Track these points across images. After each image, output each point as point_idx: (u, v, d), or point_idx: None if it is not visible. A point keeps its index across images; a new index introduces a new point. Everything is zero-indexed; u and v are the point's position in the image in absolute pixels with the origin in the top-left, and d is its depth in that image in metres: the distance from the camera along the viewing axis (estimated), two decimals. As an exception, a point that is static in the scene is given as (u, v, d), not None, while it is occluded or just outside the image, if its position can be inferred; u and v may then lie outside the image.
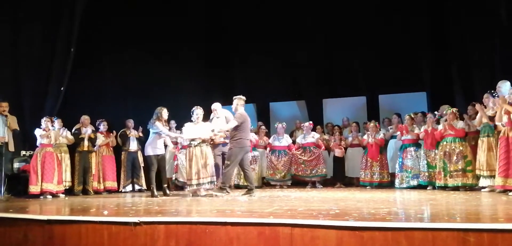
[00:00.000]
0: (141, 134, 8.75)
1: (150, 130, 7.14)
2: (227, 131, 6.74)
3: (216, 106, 7.27)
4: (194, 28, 10.27)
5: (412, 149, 7.77)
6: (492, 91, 6.51)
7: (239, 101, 6.71)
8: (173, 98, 9.46)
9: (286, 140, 9.02)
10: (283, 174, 8.83)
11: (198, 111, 6.92)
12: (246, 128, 6.60)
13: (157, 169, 7.11)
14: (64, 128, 7.91)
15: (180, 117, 8.80)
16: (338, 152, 8.72)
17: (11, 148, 7.30)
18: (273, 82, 10.94)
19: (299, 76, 10.96)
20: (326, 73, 10.77)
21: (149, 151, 7.03)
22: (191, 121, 6.89)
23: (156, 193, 6.94)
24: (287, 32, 10.38)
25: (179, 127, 8.95)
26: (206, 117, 7.19)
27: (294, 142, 9.12)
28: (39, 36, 8.46)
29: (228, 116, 7.10)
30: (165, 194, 7.00)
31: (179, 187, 8.58)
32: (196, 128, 6.82)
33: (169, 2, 9.84)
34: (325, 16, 10.17)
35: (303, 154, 8.80)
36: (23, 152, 8.15)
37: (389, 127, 8.61)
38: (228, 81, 10.93)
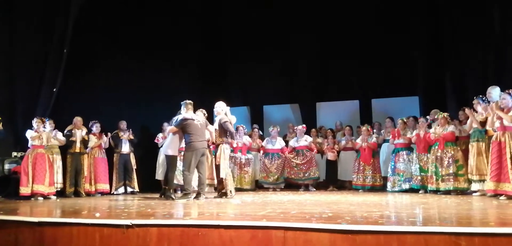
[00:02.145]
0: (132, 136, 8.72)
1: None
2: (174, 133, 6.68)
3: (217, 105, 7.06)
4: (189, 32, 10.26)
5: (404, 152, 7.82)
6: (481, 96, 6.57)
7: (185, 106, 6.67)
8: (167, 102, 9.45)
9: (279, 143, 9.04)
10: (276, 177, 8.85)
11: (198, 113, 6.94)
12: (196, 131, 6.51)
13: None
14: (55, 129, 7.85)
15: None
16: (330, 155, 8.75)
17: None
18: (266, 85, 10.95)
19: (292, 80, 10.97)
20: (319, 77, 10.80)
21: (169, 151, 6.82)
22: None
23: (173, 195, 6.71)
24: (281, 36, 10.38)
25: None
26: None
27: (287, 145, 9.13)
28: (33, 37, 8.40)
29: (227, 113, 7.05)
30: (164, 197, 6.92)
31: (174, 189, 8.55)
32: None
33: (164, 6, 9.81)
34: (319, 20, 10.19)
35: (296, 157, 8.82)
36: (14, 153, 8.08)
37: (381, 131, 8.66)
38: (222, 85, 10.90)
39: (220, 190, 6.94)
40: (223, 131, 6.84)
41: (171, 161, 6.80)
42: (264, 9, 10.22)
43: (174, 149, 6.82)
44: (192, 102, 6.75)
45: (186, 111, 6.63)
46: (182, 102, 6.73)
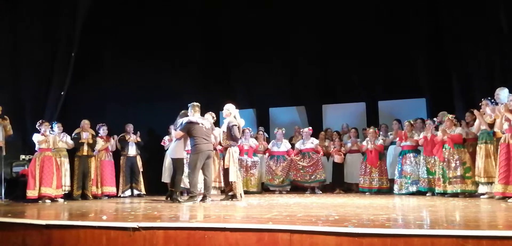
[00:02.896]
0: (139, 139, 8.75)
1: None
2: (179, 138, 6.67)
3: (228, 107, 7.03)
4: (194, 33, 10.29)
5: (411, 155, 7.78)
6: (489, 97, 6.52)
7: (192, 108, 6.65)
8: (174, 104, 9.48)
9: (285, 146, 9.02)
10: (281, 179, 8.82)
11: (206, 117, 6.97)
12: (201, 133, 6.48)
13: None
14: (64, 132, 7.89)
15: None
16: (337, 158, 8.71)
17: (4, 151, 7.27)
18: (272, 87, 10.94)
19: (298, 82, 10.96)
20: (325, 79, 10.78)
21: (175, 154, 6.83)
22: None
23: (180, 198, 6.72)
24: (286, 38, 10.39)
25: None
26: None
27: (293, 147, 9.12)
28: (40, 40, 8.47)
29: (237, 115, 7.03)
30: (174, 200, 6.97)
31: (180, 192, 8.59)
32: None
33: (169, 8, 9.86)
34: (325, 22, 10.18)
35: (302, 159, 8.80)
36: (22, 156, 8.14)
37: (388, 133, 8.62)
38: (228, 87, 10.93)
39: (228, 192, 6.93)
40: (230, 133, 6.83)
41: (177, 163, 6.81)
42: (267, 9, 10.22)
43: (180, 151, 6.84)
44: (199, 104, 6.75)
45: (193, 114, 6.64)
46: (189, 104, 6.73)
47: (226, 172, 6.90)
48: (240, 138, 7.24)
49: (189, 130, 6.52)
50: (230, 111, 6.91)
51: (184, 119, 6.63)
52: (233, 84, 11.23)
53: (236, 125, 6.80)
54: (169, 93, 9.60)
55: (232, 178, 6.77)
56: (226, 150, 6.89)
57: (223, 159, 7.00)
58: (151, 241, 3.54)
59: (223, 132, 6.94)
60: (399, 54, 9.74)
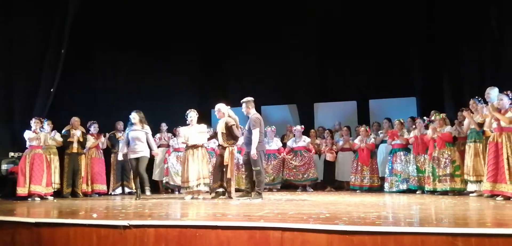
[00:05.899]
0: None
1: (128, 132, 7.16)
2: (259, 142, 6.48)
3: (219, 107, 6.95)
4: (186, 31, 10.26)
5: (401, 153, 7.84)
6: (477, 97, 6.58)
7: (250, 103, 6.57)
8: (165, 101, 9.46)
9: (276, 144, 9.02)
10: (272, 177, 8.83)
11: (192, 114, 6.92)
12: (262, 128, 6.59)
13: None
14: (54, 130, 7.82)
15: (172, 120, 8.80)
16: (329, 156, 8.74)
17: None
18: (264, 86, 10.93)
19: (290, 80, 10.98)
20: (317, 77, 10.81)
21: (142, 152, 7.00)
22: (186, 124, 6.93)
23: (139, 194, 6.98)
24: (279, 36, 10.40)
25: (170, 130, 8.95)
26: (199, 120, 7.14)
27: (284, 146, 9.12)
28: (30, 37, 8.38)
29: (230, 113, 6.95)
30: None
31: (171, 190, 8.56)
32: (191, 130, 6.84)
33: (161, 6, 9.81)
34: (317, 21, 10.22)
35: (294, 158, 8.80)
36: (11, 153, 8.05)
37: (379, 132, 8.67)
38: (220, 84, 10.92)
39: (216, 189, 6.91)
40: (230, 133, 6.75)
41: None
42: (259, 7, 10.21)
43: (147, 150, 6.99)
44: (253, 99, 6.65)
45: (252, 109, 6.57)
46: (244, 101, 6.55)
47: (217, 170, 6.87)
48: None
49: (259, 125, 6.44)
50: (222, 111, 6.86)
51: (252, 117, 6.46)
52: (225, 82, 11.20)
53: (234, 124, 6.75)
54: (160, 91, 9.56)
55: (229, 175, 6.76)
56: (225, 149, 6.83)
57: (222, 157, 6.94)
58: (142, 239, 3.53)
59: (222, 133, 6.81)
60: (391, 53, 9.80)
